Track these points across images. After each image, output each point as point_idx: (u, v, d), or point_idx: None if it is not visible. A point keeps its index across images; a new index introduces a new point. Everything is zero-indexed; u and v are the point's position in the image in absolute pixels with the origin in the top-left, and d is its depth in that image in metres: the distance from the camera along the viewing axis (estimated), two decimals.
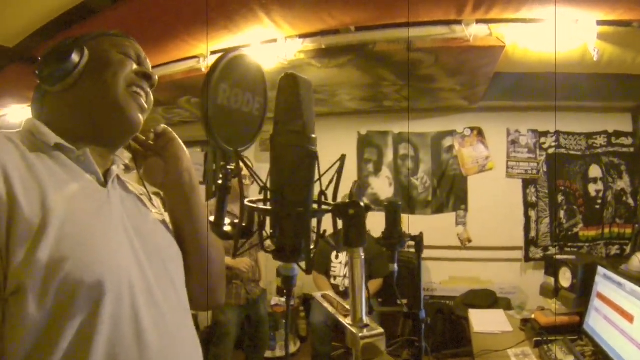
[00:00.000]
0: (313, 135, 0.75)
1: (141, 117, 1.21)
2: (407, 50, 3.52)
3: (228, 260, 4.10)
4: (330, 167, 0.80)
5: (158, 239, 1.22)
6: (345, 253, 0.79)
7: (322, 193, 0.77)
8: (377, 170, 6.19)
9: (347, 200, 0.73)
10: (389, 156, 6.16)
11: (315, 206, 0.76)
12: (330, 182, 0.80)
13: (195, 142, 5.87)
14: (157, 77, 1.26)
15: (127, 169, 1.34)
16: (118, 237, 1.05)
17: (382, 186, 6.17)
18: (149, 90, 1.25)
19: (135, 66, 1.22)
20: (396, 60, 3.81)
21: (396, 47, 3.52)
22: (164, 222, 1.32)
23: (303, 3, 2.86)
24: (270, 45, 3.46)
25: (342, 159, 0.80)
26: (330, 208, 0.75)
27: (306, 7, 2.90)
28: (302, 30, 3.28)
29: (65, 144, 1.08)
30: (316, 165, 0.72)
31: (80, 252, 0.91)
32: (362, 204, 0.73)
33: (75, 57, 1.12)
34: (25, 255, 0.86)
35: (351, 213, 0.72)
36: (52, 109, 1.17)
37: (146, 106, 1.23)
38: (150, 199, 1.36)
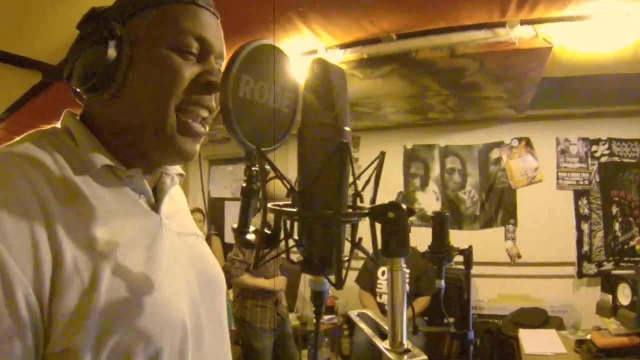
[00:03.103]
0: (347, 128, 0.65)
1: (196, 147, 0.99)
2: (451, 57, 3.42)
3: (264, 282, 4.06)
4: (369, 166, 0.70)
5: (208, 266, 1.10)
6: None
7: (357, 194, 0.67)
8: (424, 185, 6.13)
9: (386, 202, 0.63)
10: (435, 170, 6.08)
11: (349, 210, 0.66)
12: (367, 182, 0.69)
13: (241, 159, 5.78)
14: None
15: (182, 176, 1.17)
16: (172, 277, 0.93)
17: (429, 201, 6.10)
18: (212, 102, 0.98)
19: (196, 68, 0.94)
20: (439, 68, 3.72)
21: (439, 54, 3.44)
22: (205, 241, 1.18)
23: (342, 10, 2.78)
24: (310, 57, 3.37)
25: (381, 156, 0.69)
26: (365, 212, 0.64)
27: (345, 14, 2.82)
28: (342, 39, 3.20)
29: (116, 165, 0.92)
30: (348, 160, 0.62)
31: (135, 310, 0.81)
32: (403, 206, 0.62)
33: (111, 53, 0.88)
34: (73, 318, 0.75)
35: (391, 217, 0.61)
36: (96, 116, 0.98)
37: (205, 130, 1.00)
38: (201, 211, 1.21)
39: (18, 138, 0.91)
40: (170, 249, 0.96)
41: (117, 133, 0.95)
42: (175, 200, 1.15)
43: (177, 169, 1.13)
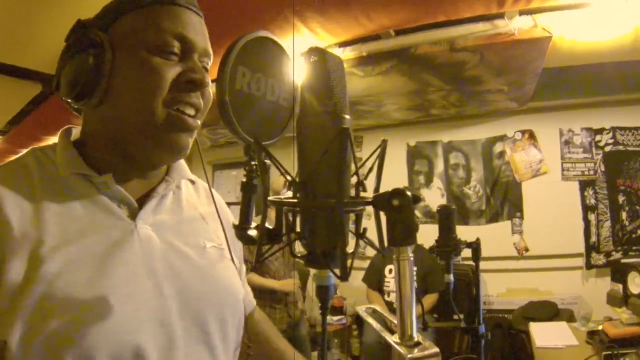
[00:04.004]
0: (346, 116, 0.63)
1: (188, 141, 0.99)
2: (451, 51, 3.41)
3: (273, 283, 4.03)
4: (371, 155, 0.68)
5: (200, 282, 1.02)
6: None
7: (360, 183, 0.65)
8: (429, 182, 6.12)
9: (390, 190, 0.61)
10: (439, 166, 6.07)
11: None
12: (370, 170, 0.67)
13: (244, 163, 5.78)
14: (209, 80, 0.97)
15: (193, 183, 1.19)
16: (131, 288, 0.88)
17: (434, 198, 6.08)
18: (199, 99, 0.98)
19: (178, 68, 0.94)
20: (440, 62, 3.71)
21: (438, 48, 3.43)
22: (224, 254, 1.12)
23: (339, 7, 2.76)
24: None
25: (384, 144, 0.68)
26: (369, 200, 0.62)
27: (343, 12, 2.80)
28: (341, 36, 3.19)
29: (85, 172, 0.93)
30: (349, 146, 0.60)
31: (67, 316, 0.79)
32: (408, 193, 0.60)
33: (92, 60, 0.89)
34: (4, 312, 0.78)
35: (395, 204, 0.59)
36: (88, 125, 1.01)
37: (196, 124, 0.98)
38: (221, 220, 1.13)
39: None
40: (142, 258, 0.93)
41: (110, 138, 0.97)
42: (186, 207, 1.12)
43: (185, 174, 1.13)
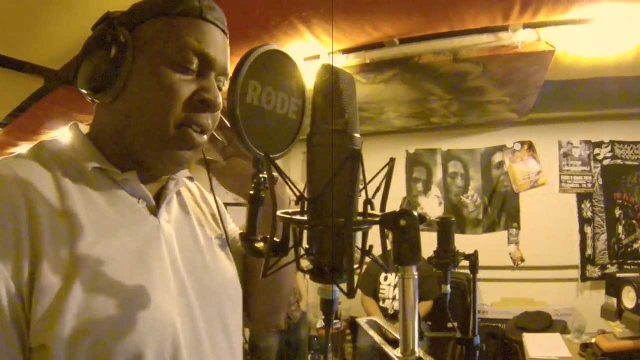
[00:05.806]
0: (357, 135, 0.64)
1: (192, 155, 0.99)
2: (454, 61, 3.42)
3: None
4: (378, 173, 0.69)
5: (215, 275, 1.06)
6: (394, 274, 0.67)
7: (368, 202, 0.66)
8: (427, 190, 6.13)
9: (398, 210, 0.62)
10: (438, 175, 6.08)
11: (359, 218, 0.65)
12: (377, 190, 0.68)
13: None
14: (221, 101, 0.97)
15: (192, 180, 1.20)
16: (165, 282, 0.91)
17: (432, 206, 6.09)
18: (209, 121, 0.97)
19: (193, 86, 0.93)
20: (443, 72, 3.72)
21: (442, 58, 3.43)
22: (225, 248, 1.15)
23: (345, 15, 2.77)
24: (313, 63, 3.36)
25: (391, 163, 0.69)
26: (377, 219, 0.63)
27: (349, 20, 2.81)
28: (345, 44, 3.19)
29: (109, 168, 0.93)
30: (360, 168, 0.61)
31: (115, 312, 0.79)
32: (415, 213, 0.61)
33: (112, 58, 0.89)
34: (47, 316, 0.75)
35: (402, 225, 0.60)
36: (99, 119, 1.01)
37: (203, 140, 0.99)
38: (220, 215, 1.17)
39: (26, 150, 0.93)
40: (168, 254, 0.95)
41: (118, 137, 0.96)
42: (189, 204, 1.13)
43: (185, 172, 1.12)
